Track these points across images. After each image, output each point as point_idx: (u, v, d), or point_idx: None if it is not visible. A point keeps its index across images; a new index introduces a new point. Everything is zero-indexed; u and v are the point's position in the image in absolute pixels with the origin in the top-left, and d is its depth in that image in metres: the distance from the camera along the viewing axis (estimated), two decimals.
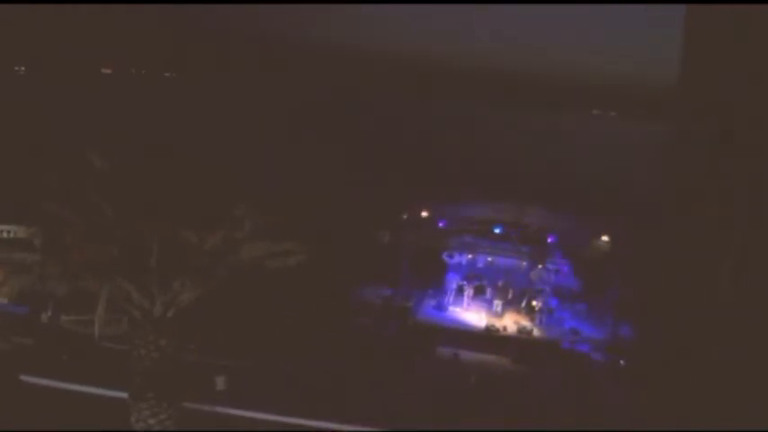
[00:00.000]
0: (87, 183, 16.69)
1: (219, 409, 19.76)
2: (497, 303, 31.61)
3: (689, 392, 20.02)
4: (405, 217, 38.63)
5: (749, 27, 18.30)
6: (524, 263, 35.45)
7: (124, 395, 17.19)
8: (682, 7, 21.03)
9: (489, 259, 35.65)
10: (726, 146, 19.12)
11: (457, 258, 35.50)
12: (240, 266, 16.49)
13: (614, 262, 34.93)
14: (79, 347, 22.34)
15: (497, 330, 29.76)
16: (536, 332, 29.92)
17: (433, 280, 33.84)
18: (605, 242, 37.56)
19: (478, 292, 32.89)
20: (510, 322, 30.51)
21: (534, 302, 31.69)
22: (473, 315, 31.28)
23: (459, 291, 32.76)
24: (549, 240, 36.97)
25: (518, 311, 31.54)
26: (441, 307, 31.81)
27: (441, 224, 38.00)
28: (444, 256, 35.40)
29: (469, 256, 35.73)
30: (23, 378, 20.53)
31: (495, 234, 36.79)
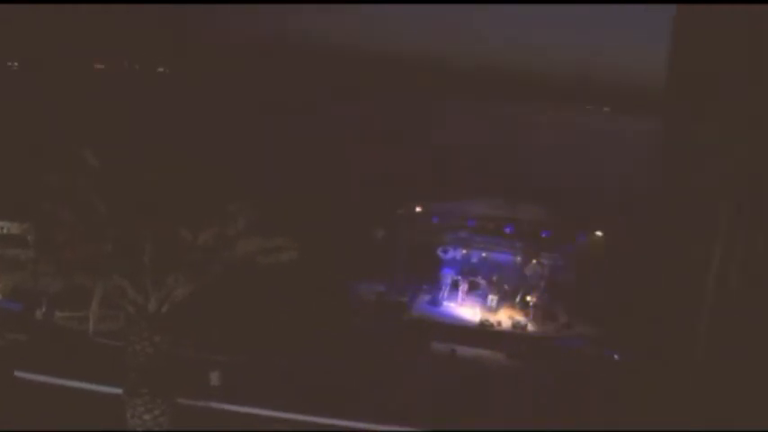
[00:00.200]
0: (81, 179, 16.67)
1: (214, 405, 19.77)
2: (492, 298, 31.69)
3: (682, 387, 20.12)
4: (399, 212, 38.65)
5: (740, 23, 18.37)
6: (518, 258, 35.56)
7: (119, 391, 17.21)
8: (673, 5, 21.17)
9: (483, 254, 35.73)
10: (717, 141, 19.22)
11: (451, 254, 35.57)
12: (234, 262, 16.50)
13: (608, 257, 35.03)
14: (74, 344, 22.32)
15: (492, 325, 29.85)
16: (530, 327, 30.00)
17: (427, 275, 33.88)
18: (599, 237, 37.64)
19: (473, 288, 32.94)
20: (504, 317, 30.60)
21: (528, 297, 31.77)
22: (467, 310, 31.35)
23: (454, 286, 32.82)
24: (543, 235, 37.04)
25: (512, 306, 31.64)
26: (435, 302, 31.88)
27: (435, 220, 38.03)
28: (439, 252, 35.46)
29: (464, 251, 35.80)
30: (18, 374, 20.51)
31: (490, 229, 36.85)
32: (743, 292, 19.26)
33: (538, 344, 28.50)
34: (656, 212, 22.86)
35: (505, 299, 32.19)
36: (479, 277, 33.58)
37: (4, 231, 26.10)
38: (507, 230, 37.01)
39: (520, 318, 30.49)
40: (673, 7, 21.18)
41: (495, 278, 33.34)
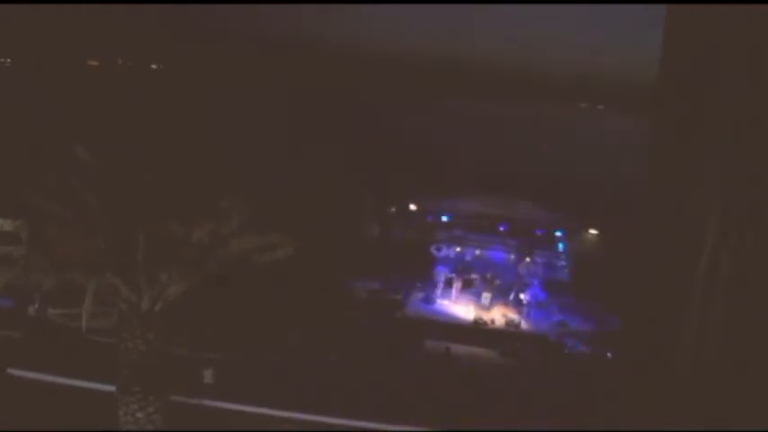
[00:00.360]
0: (74, 175, 16.62)
1: (207, 403, 19.75)
2: (485, 296, 31.66)
3: (676, 385, 20.17)
4: (393, 210, 38.69)
5: (734, 21, 18.40)
6: (512, 256, 35.63)
7: (112, 388, 17.16)
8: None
9: (477, 252, 35.77)
10: (707, 140, 19.24)
11: (445, 251, 35.60)
12: (228, 260, 16.48)
13: (602, 255, 35.14)
14: (66, 341, 22.24)
15: (485, 323, 29.85)
16: (524, 325, 30.03)
17: (421, 273, 33.89)
18: (594, 235, 37.76)
19: (467, 285, 32.93)
20: (498, 315, 30.61)
21: (522, 295, 31.79)
22: (461, 308, 31.35)
23: (448, 284, 32.81)
24: (538, 233, 37.14)
25: (506, 304, 31.64)
26: (429, 300, 31.86)
27: (429, 218, 38.08)
28: (432, 249, 35.48)
29: (458, 249, 35.84)
30: (10, 371, 20.46)
31: (484, 227, 36.93)
32: (733, 290, 19.29)
33: (531, 342, 28.55)
34: (647, 211, 22.90)
35: (499, 297, 32.20)
36: (473, 275, 33.58)
37: None
38: (501, 228, 37.11)
39: (513, 316, 30.50)
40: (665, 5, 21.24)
41: (488, 276, 33.35)
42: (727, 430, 18.44)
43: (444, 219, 37.60)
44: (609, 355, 26.61)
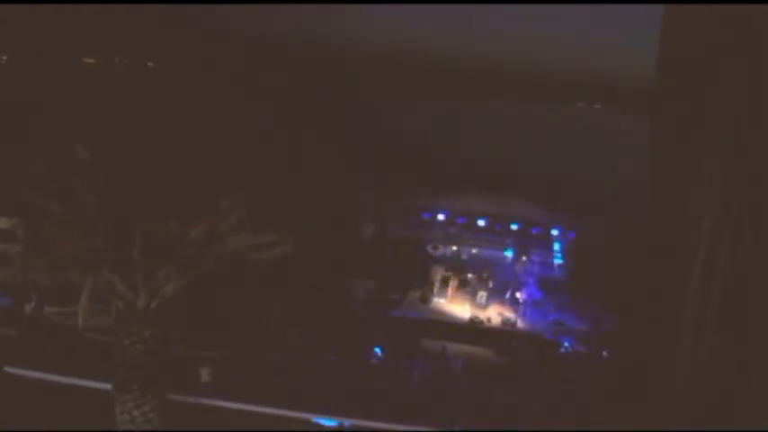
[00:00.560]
0: (70, 173, 16.59)
1: (204, 401, 19.72)
2: (481, 295, 31.68)
3: (672, 385, 20.19)
4: (389, 209, 38.68)
5: (733, 19, 18.40)
6: (509, 255, 35.68)
7: (108, 386, 17.15)
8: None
9: (474, 251, 35.81)
10: (706, 137, 19.24)
11: (441, 250, 35.63)
12: (225, 257, 16.48)
13: (599, 254, 35.16)
14: (63, 339, 22.21)
15: (481, 322, 29.87)
16: (520, 324, 30.06)
17: (417, 272, 33.88)
18: (590, 234, 37.77)
19: (463, 284, 32.94)
20: (494, 314, 30.63)
21: (518, 294, 31.81)
22: (457, 307, 31.37)
23: (444, 282, 32.80)
24: (534, 232, 37.17)
25: (502, 303, 31.67)
26: (425, 299, 31.86)
27: (425, 216, 38.08)
28: (428, 248, 35.50)
29: (454, 247, 35.88)
30: (7, 369, 20.41)
31: (480, 226, 36.94)
32: (731, 291, 19.30)
33: (527, 341, 28.59)
34: (645, 211, 22.91)
35: (495, 296, 32.22)
36: (469, 274, 33.59)
37: None
38: (498, 227, 37.14)
39: (509, 314, 30.53)
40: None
41: (485, 275, 33.37)
42: (727, 430, 18.48)
43: (441, 217, 37.62)
44: (605, 354, 26.65)
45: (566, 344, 27.82)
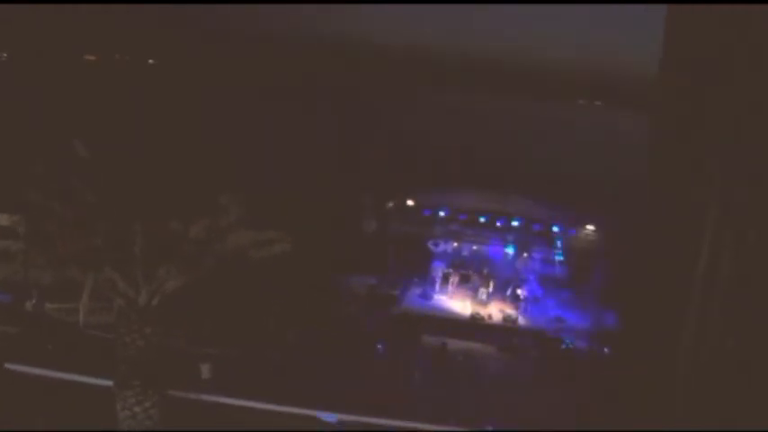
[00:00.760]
0: (71, 171, 16.63)
1: (205, 397, 19.77)
2: (482, 291, 31.61)
3: (674, 384, 20.22)
4: (390, 206, 38.64)
5: (735, 18, 18.41)
6: (510, 251, 35.64)
7: (109, 383, 17.20)
8: None
9: (474, 247, 35.76)
10: (707, 136, 19.26)
11: (442, 246, 35.57)
12: (225, 255, 16.52)
13: (600, 250, 35.13)
14: (64, 336, 22.26)
15: (482, 319, 29.83)
16: (521, 320, 30.02)
17: (418, 268, 33.84)
18: (591, 231, 37.75)
19: (464, 281, 32.88)
20: (495, 310, 30.58)
21: (519, 291, 31.76)
22: (458, 303, 31.32)
23: (445, 279, 32.75)
24: (535, 229, 37.12)
25: (503, 300, 31.61)
26: (426, 295, 31.82)
27: (426, 213, 38.03)
28: (430, 245, 35.46)
29: (455, 244, 35.83)
30: (8, 366, 20.46)
31: (481, 222, 36.90)
32: (733, 289, 19.33)
33: (528, 337, 28.56)
34: (646, 209, 22.92)
35: (496, 292, 32.16)
36: (470, 270, 33.55)
37: None
38: (498, 224, 37.09)
39: (510, 311, 30.49)
40: None
41: (485, 271, 33.32)
42: (727, 430, 18.49)
43: (442, 214, 37.60)
44: (606, 350, 26.63)
45: (567, 340, 27.79)
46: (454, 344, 26.39)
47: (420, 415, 19.99)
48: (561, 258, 35.84)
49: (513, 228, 36.98)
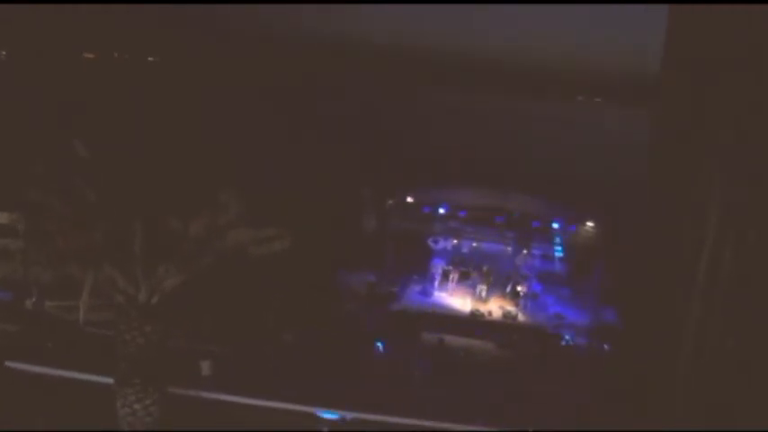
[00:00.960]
0: (72, 169, 16.63)
1: (205, 395, 19.79)
2: (482, 288, 31.63)
3: (675, 385, 20.23)
4: (390, 203, 38.67)
5: (738, 16, 18.39)
6: (509, 248, 35.68)
7: (110, 381, 17.20)
8: None
9: (474, 244, 35.80)
10: (709, 139, 19.25)
11: (442, 244, 35.62)
12: (225, 252, 16.52)
13: (599, 247, 35.17)
14: (64, 333, 22.27)
15: (482, 315, 29.86)
16: (521, 317, 30.05)
17: (418, 265, 33.86)
18: (590, 227, 37.79)
19: (463, 278, 32.91)
20: (495, 307, 30.60)
21: (519, 287, 31.79)
22: (458, 300, 31.34)
23: (444, 276, 32.78)
24: (534, 226, 37.16)
25: (503, 296, 31.63)
26: (426, 292, 31.84)
27: (426, 210, 38.07)
28: (429, 242, 35.50)
29: (454, 241, 35.87)
30: (9, 364, 20.47)
31: (481, 219, 36.93)
32: (734, 289, 19.32)
33: (528, 334, 28.58)
34: (647, 208, 22.92)
35: (496, 289, 32.19)
36: (470, 267, 33.57)
37: None
38: (498, 220, 37.13)
39: (510, 308, 30.51)
40: None
41: (485, 268, 33.34)
42: (728, 430, 18.50)
43: (441, 211, 37.62)
44: (606, 347, 26.66)
45: (566, 337, 27.82)
46: (454, 341, 26.42)
47: (420, 412, 20.00)
48: (561, 255, 35.89)
49: (513, 224, 37.02)
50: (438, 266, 33.33)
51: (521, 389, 22.25)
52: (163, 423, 17.26)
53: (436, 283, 32.42)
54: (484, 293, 31.41)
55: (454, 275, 32.62)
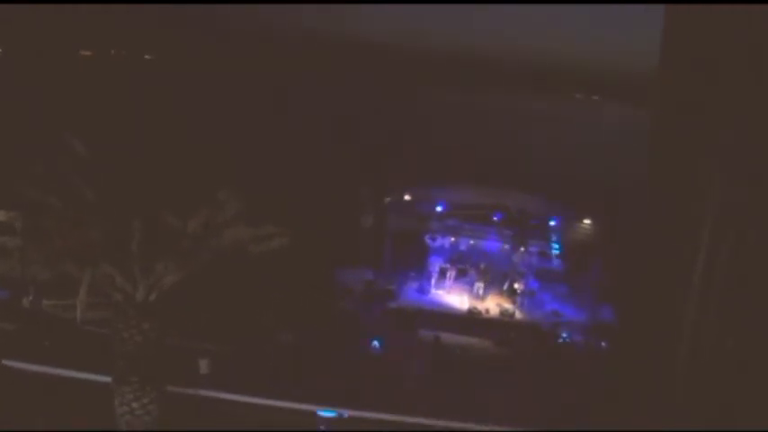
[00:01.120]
0: (69, 167, 16.61)
1: (203, 393, 19.78)
2: (480, 286, 31.65)
3: (672, 383, 20.25)
4: (387, 200, 38.67)
5: (737, 14, 18.41)
6: (507, 246, 35.69)
7: (107, 379, 17.18)
8: None
9: (472, 242, 35.81)
10: (709, 139, 19.27)
11: (439, 241, 35.65)
12: (223, 250, 16.50)
13: (596, 245, 35.21)
14: (61, 332, 22.25)
15: (480, 313, 29.88)
16: (518, 314, 30.07)
17: (415, 263, 33.86)
18: (588, 225, 37.84)
19: (461, 275, 32.93)
20: (492, 305, 30.62)
21: (516, 285, 31.81)
22: (455, 298, 31.34)
23: (442, 274, 32.79)
24: (532, 223, 37.19)
25: (500, 294, 31.65)
26: (423, 290, 31.84)
27: (424, 207, 38.08)
28: (427, 239, 35.51)
29: (452, 239, 35.89)
30: (6, 363, 20.44)
31: (478, 217, 36.96)
32: (731, 287, 19.36)
33: (525, 331, 28.60)
34: (643, 204, 22.93)
35: (493, 287, 32.21)
36: (467, 265, 33.59)
37: None
38: (496, 218, 37.15)
39: (508, 305, 30.54)
40: None
41: (483, 266, 33.36)
42: (727, 430, 18.51)
43: (439, 209, 37.64)
44: (603, 344, 26.69)
45: (563, 334, 27.84)
46: (451, 338, 26.41)
47: (417, 409, 20.01)
48: (558, 253, 35.93)
49: (511, 222, 37.06)
50: (436, 264, 33.34)
51: (517, 386, 22.27)
52: (161, 422, 17.24)
53: (433, 281, 32.42)
54: (481, 291, 31.43)
55: (452, 273, 32.62)
